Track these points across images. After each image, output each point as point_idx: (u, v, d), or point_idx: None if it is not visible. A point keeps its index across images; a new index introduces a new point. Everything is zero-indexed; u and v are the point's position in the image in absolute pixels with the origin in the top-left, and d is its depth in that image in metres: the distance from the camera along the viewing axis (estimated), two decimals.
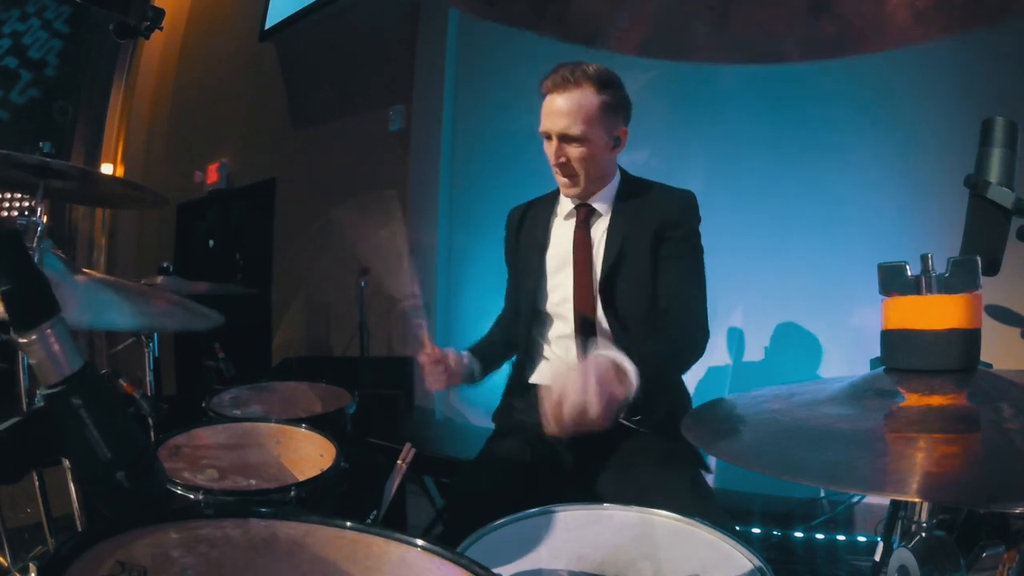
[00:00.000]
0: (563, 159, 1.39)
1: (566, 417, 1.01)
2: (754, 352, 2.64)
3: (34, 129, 5.18)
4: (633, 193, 1.49)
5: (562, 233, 1.51)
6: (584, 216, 1.49)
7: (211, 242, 5.23)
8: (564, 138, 1.38)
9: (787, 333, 2.58)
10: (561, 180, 1.45)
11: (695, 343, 1.37)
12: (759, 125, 2.61)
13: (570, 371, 1.06)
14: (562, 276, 1.49)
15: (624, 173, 1.53)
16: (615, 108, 1.41)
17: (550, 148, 1.41)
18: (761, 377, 2.60)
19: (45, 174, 1.56)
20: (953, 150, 1.95)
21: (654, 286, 1.42)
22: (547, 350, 1.52)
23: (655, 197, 1.48)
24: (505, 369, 1.63)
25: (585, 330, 1.45)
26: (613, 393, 1.05)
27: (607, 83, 1.38)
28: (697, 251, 1.46)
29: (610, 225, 1.46)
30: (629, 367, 1.10)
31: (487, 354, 1.56)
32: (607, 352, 1.13)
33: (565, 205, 1.53)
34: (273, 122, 4.71)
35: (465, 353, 1.49)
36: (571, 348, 1.47)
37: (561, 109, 1.36)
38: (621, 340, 1.41)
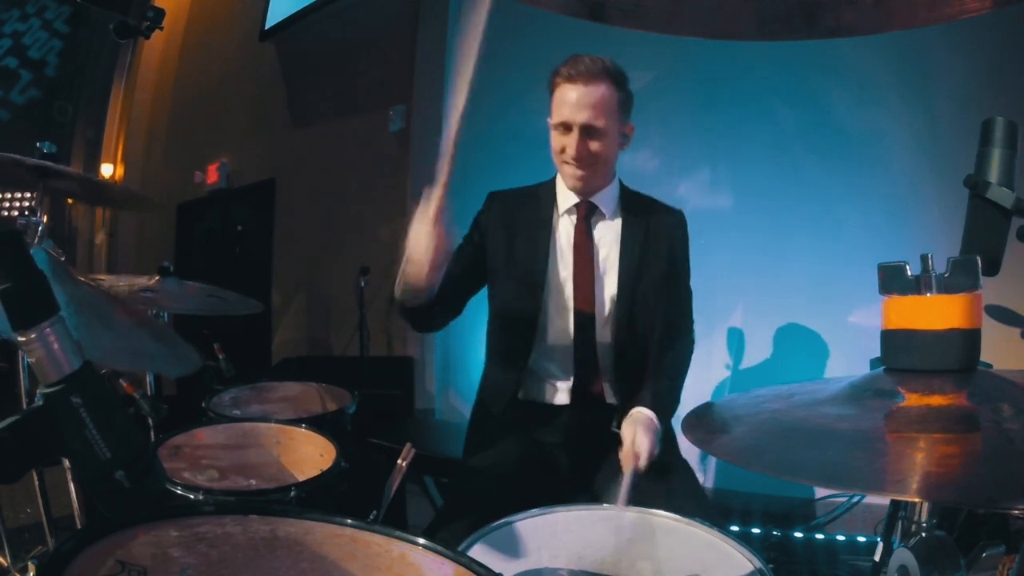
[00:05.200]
0: (585, 152, 1.34)
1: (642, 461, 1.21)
2: (754, 352, 2.64)
3: (34, 129, 5.19)
4: (638, 206, 1.46)
5: (561, 230, 1.45)
6: (585, 211, 1.43)
7: (209, 251, 5.25)
8: (587, 130, 1.33)
9: (787, 333, 2.57)
10: (573, 172, 1.37)
11: (688, 357, 1.51)
12: (759, 125, 2.61)
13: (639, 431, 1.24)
14: (561, 280, 1.42)
15: (620, 180, 1.49)
16: (626, 104, 1.38)
17: (567, 140, 1.34)
18: (761, 377, 2.60)
19: (45, 174, 1.56)
20: (953, 150, 1.95)
21: (661, 308, 1.44)
22: (541, 362, 1.44)
23: (661, 216, 1.47)
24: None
25: (584, 340, 1.40)
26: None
27: (623, 80, 1.36)
28: (688, 270, 1.51)
29: (624, 237, 1.42)
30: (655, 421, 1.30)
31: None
32: (645, 413, 1.29)
33: (564, 199, 1.45)
34: (273, 122, 4.71)
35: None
36: (568, 357, 1.41)
37: (585, 101, 1.31)
38: (610, 350, 1.41)
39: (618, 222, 1.44)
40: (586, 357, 1.41)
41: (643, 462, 1.19)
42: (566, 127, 1.35)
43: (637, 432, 1.22)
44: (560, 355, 1.43)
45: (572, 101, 1.33)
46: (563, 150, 1.36)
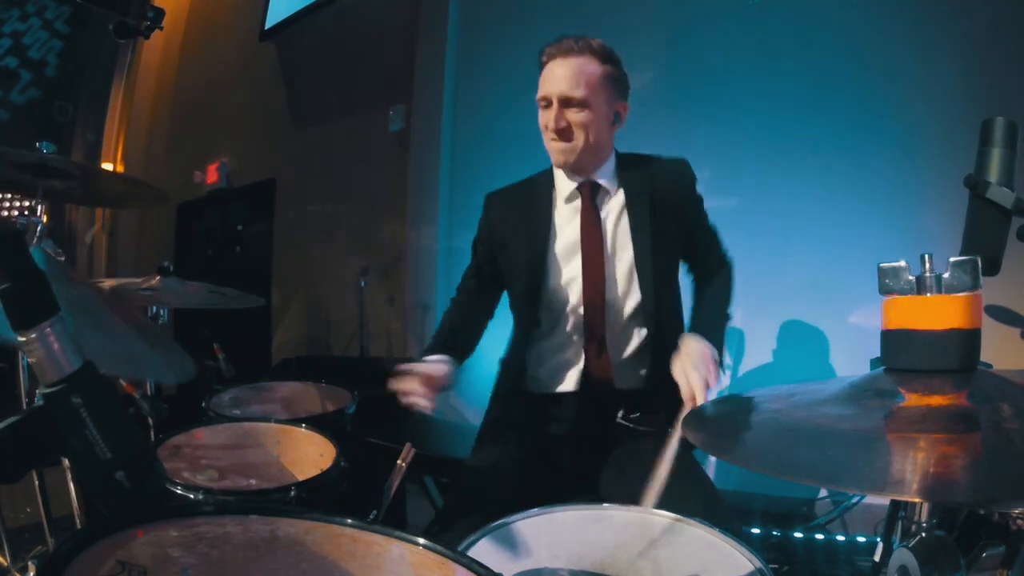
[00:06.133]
0: (563, 124, 1.33)
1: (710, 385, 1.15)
2: (754, 352, 2.64)
3: (34, 129, 5.18)
4: (633, 167, 1.43)
5: (565, 218, 1.43)
6: (589, 192, 1.40)
7: (209, 250, 5.25)
8: (565, 101, 1.33)
9: (787, 333, 2.57)
10: (556, 146, 1.36)
11: (732, 285, 1.52)
12: (759, 125, 2.60)
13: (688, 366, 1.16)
14: (569, 269, 1.40)
15: (616, 151, 1.47)
16: (616, 81, 1.37)
17: (548, 114, 1.34)
18: (761, 377, 2.60)
19: (45, 174, 1.56)
20: (953, 150, 1.95)
21: (685, 259, 1.48)
22: (550, 356, 1.44)
23: (663, 171, 1.44)
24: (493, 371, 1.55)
25: (595, 326, 1.39)
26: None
27: (609, 57, 1.36)
28: (704, 210, 1.49)
29: (629, 208, 1.40)
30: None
31: (462, 346, 1.46)
32: (693, 342, 1.23)
33: (564, 186, 1.43)
34: (273, 122, 4.71)
35: (442, 361, 1.37)
36: (579, 348, 1.40)
37: (563, 73, 1.32)
38: (623, 332, 1.40)
39: (620, 194, 1.42)
40: (597, 340, 1.39)
41: (700, 398, 1.11)
42: (547, 102, 1.35)
43: (686, 367, 1.15)
44: (572, 341, 1.42)
45: (551, 75, 1.34)
46: (546, 126, 1.36)
